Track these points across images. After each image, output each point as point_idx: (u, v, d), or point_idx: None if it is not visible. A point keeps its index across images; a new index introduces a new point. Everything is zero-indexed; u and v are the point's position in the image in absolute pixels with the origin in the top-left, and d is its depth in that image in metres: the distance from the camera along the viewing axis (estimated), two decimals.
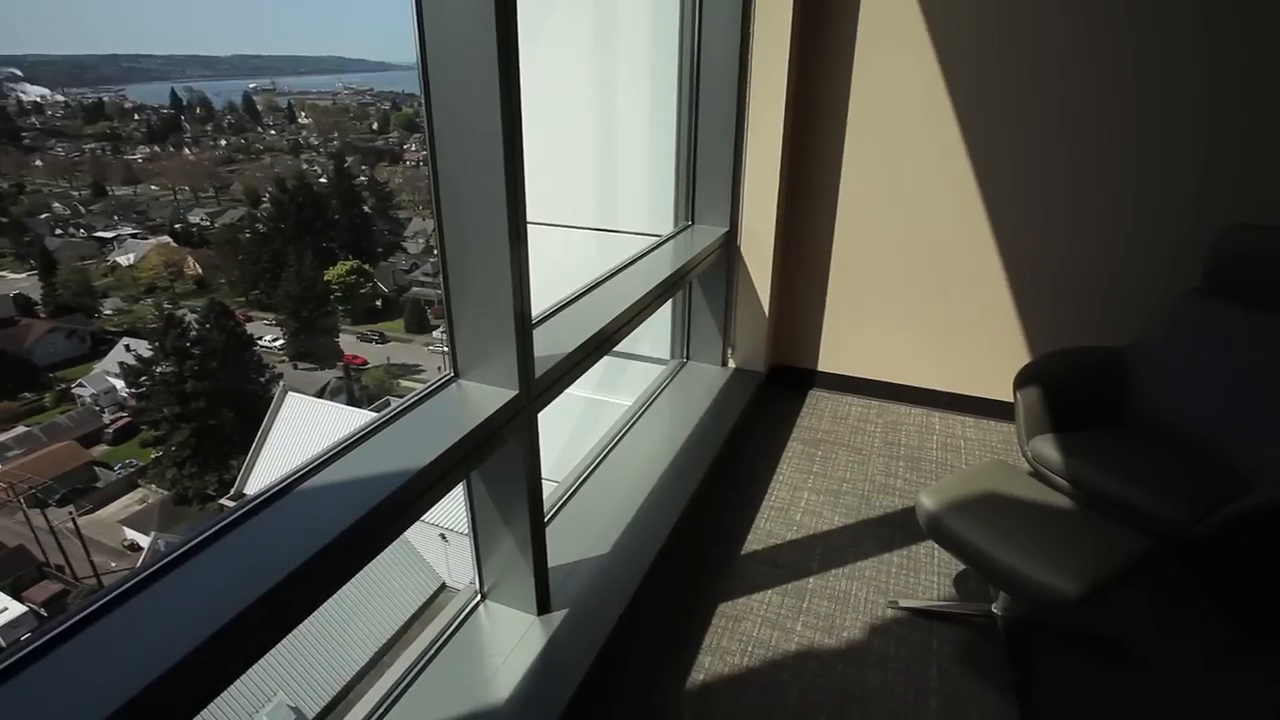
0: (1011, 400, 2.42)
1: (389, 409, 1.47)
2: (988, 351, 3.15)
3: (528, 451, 1.66)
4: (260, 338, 25.58)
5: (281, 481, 1.22)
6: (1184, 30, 2.53)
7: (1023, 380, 2.32)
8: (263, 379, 22.29)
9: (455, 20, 1.28)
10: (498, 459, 1.63)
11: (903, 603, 2.14)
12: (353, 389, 23.20)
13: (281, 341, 26.52)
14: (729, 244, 3.14)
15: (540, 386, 1.66)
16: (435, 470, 1.32)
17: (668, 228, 3.14)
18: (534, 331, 1.87)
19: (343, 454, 1.33)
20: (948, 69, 2.82)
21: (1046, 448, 2.22)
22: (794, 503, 2.61)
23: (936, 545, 2.08)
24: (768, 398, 3.34)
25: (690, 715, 1.80)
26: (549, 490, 2.35)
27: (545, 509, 2.22)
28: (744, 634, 2.04)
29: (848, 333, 3.34)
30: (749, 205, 3.07)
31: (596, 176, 3.50)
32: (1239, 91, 2.54)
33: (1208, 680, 1.94)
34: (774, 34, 2.78)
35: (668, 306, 3.32)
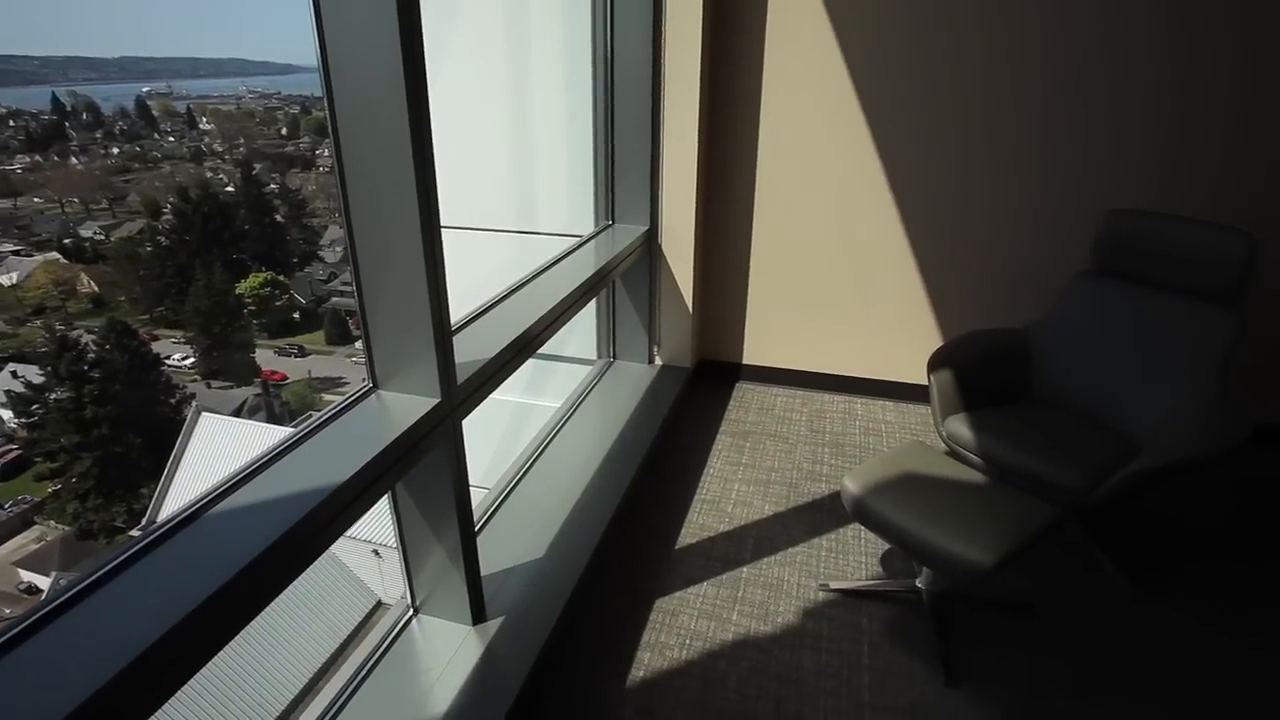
0: (927, 383, 2.53)
1: (304, 425, 1.42)
2: (904, 338, 3.28)
3: (453, 460, 1.63)
4: (168, 357, 24.17)
5: (190, 507, 1.16)
6: (1075, 27, 2.70)
7: (935, 364, 2.43)
8: (173, 400, 21.09)
9: (356, 21, 1.25)
10: (422, 469, 1.60)
11: (833, 585, 2.21)
12: (273, 405, 22.24)
13: (192, 360, 25.15)
14: (650, 242, 3.16)
15: (463, 393, 1.64)
16: (356, 485, 1.28)
17: (588, 228, 3.14)
18: (455, 338, 1.84)
19: (256, 474, 1.27)
20: (853, 66, 2.92)
21: (960, 427, 2.32)
22: (725, 495, 2.65)
23: (862, 527, 2.15)
24: (695, 393, 3.38)
25: (631, 712, 1.80)
26: (479, 498, 2.31)
27: (476, 517, 2.19)
28: (682, 627, 2.06)
29: (771, 325, 3.41)
30: (668, 203, 3.10)
31: (515, 179, 3.47)
32: (1119, 86, 2.73)
33: (1110, 633, 2.07)
34: (685, 31, 2.82)
35: (592, 307, 3.32)
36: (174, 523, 1.12)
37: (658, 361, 3.40)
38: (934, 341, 3.20)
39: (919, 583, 2.11)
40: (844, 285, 3.25)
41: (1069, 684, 1.91)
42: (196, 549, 1.09)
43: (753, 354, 3.49)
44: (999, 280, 3.09)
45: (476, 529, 2.16)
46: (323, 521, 1.21)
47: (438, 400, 1.52)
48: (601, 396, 3.13)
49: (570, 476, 2.51)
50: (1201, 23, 2.61)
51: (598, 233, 3.05)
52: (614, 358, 3.42)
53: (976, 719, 1.81)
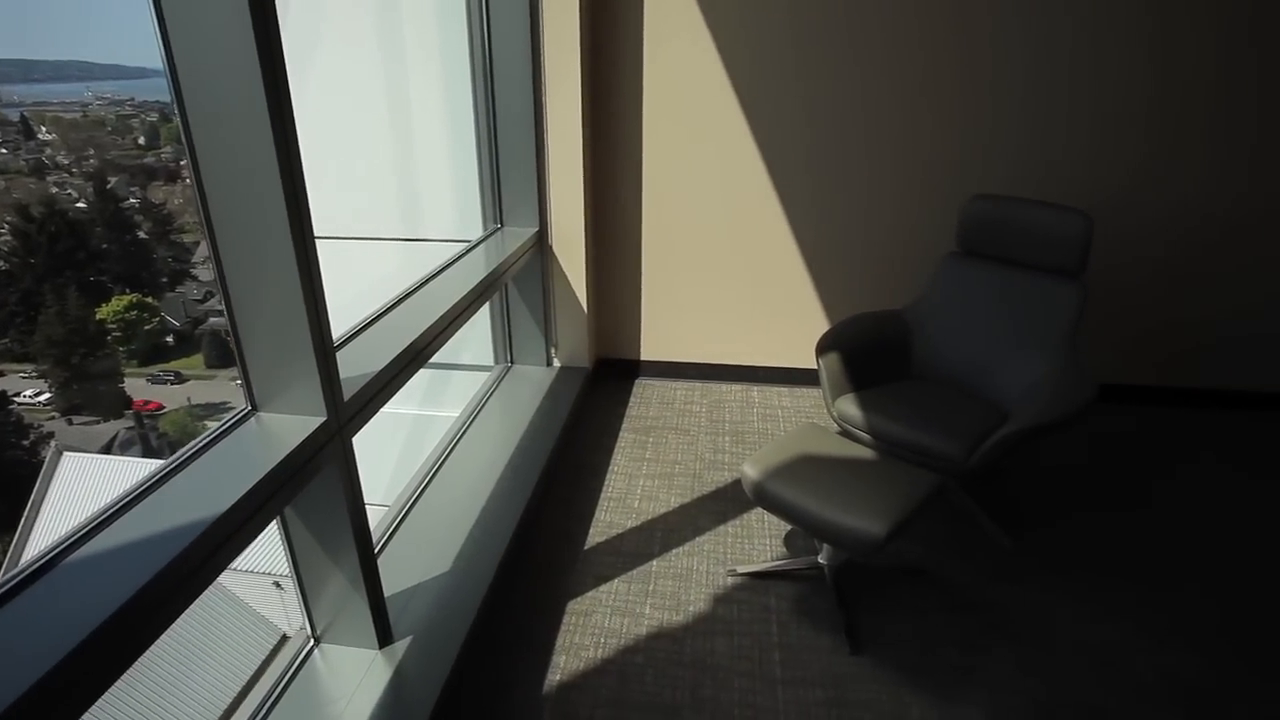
0: (816, 367, 2.63)
1: (175, 456, 1.32)
2: (794, 324, 3.41)
3: (346, 479, 1.56)
4: (17, 394, 21.90)
5: (42, 557, 1.06)
6: (939, 25, 2.88)
7: (822, 348, 2.54)
8: (26, 441, 19.14)
9: (202, 19, 1.17)
10: (312, 492, 1.52)
11: (740, 569, 2.27)
12: (148, 438, 20.56)
13: (48, 395, 22.89)
14: (541, 243, 3.14)
15: (351, 409, 1.57)
16: (236, 516, 1.21)
17: (477, 232, 3.08)
18: (340, 352, 1.77)
19: (121, 514, 1.18)
20: (729, 62, 3.00)
21: (849, 406, 2.44)
22: (631, 491, 2.67)
23: (764, 510, 2.22)
24: (596, 392, 3.39)
25: (550, 717, 1.79)
26: (378, 516, 2.23)
27: (376, 536, 2.12)
28: (595, 627, 2.06)
29: (666, 320, 3.47)
30: (556, 203, 3.09)
31: (398, 185, 3.36)
32: (983, 81, 2.94)
33: (994, 586, 2.24)
34: (564, 29, 2.81)
35: (486, 312, 3.26)
36: (21, 576, 1.02)
37: (556, 363, 3.38)
38: (822, 326, 3.34)
39: (820, 559, 2.20)
40: (734, 277, 3.35)
41: (960, 638, 2.05)
42: (51, 602, 0.99)
43: (650, 349, 3.53)
44: (879, 264, 3.27)
45: (377, 548, 2.09)
46: (199, 559, 1.13)
47: (324, 419, 1.46)
48: (501, 402, 3.08)
49: (473, 486, 2.47)
50: (1043, 24, 2.85)
51: (486, 236, 3.00)
52: (511, 362, 3.38)
53: (879, 680, 1.91)
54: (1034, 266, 2.54)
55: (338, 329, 1.84)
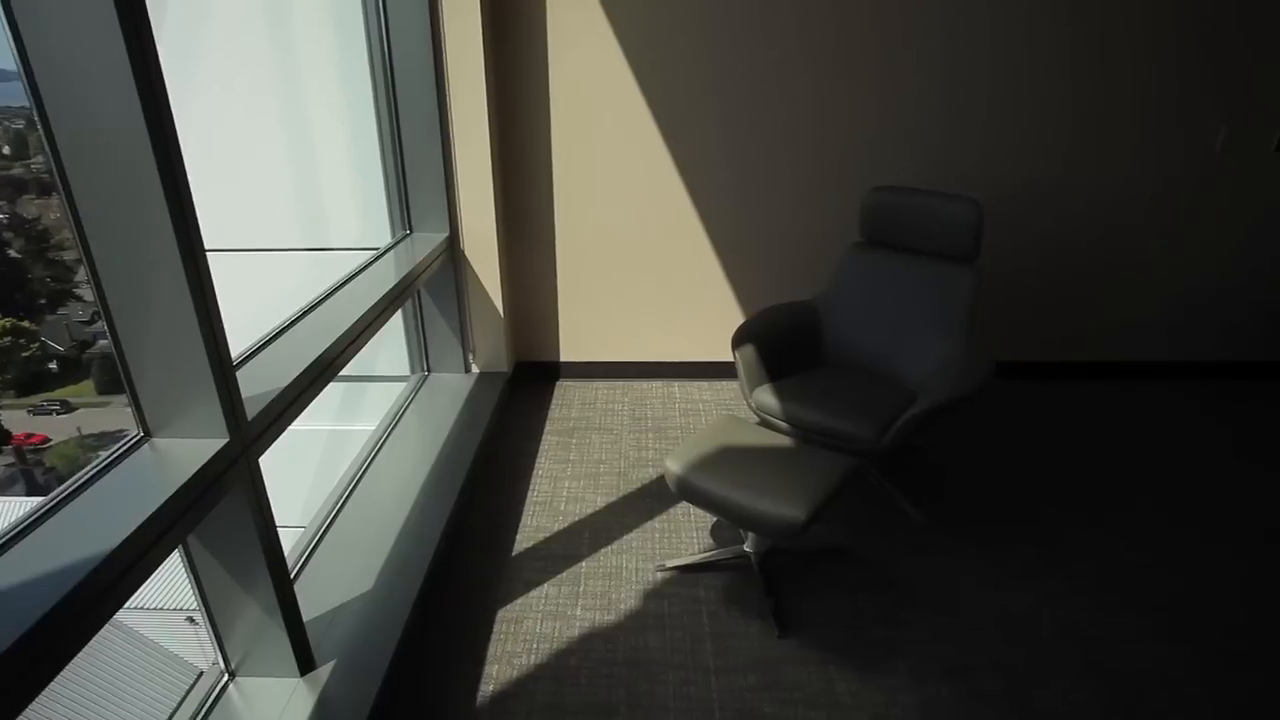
0: (733, 359, 2.69)
1: (55, 492, 1.22)
2: (712, 318, 3.46)
3: (254, 502, 1.49)
4: None
5: None
6: (844, 19, 2.98)
7: (738, 340, 2.59)
8: None
9: (61, 17, 1.09)
10: (217, 519, 1.44)
11: (669, 564, 2.30)
12: (33, 475, 19.00)
13: None
14: (452, 248, 3.08)
15: (256, 429, 1.50)
16: (129, 551, 1.13)
17: (385, 239, 2.99)
18: (242, 369, 1.70)
19: None
20: (634, 60, 3.02)
21: (766, 396, 2.50)
22: (556, 493, 2.66)
23: (689, 504, 2.25)
24: (516, 396, 3.36)
25: None
26: (295, 538, 2.15)
27: (293, 559, 2.04)
28: (527, 633, 2.04)
29: (585, 321, 3.46)
30: (467, 207, 3.03)
31: (298, 193, 3.22)
32: (887, 76, 3.06)
33: (909, 560, 2.34)
34: (465, 31, 2.76)
35: (399, 321, 3.18)
36: None
37: (474, 369, 3.33)
38: (739, 319, 3.42)
39: (746, 547, 2.25)
40: (650, 274, 3.38)
41: (881, 612, 2.13)
42: None
43: (570, 351, 3.52)
44: (793, 256, 3.36)
45: (294, 572, 2.00)
46: (88, 600, 1.05)
47: (226, 440, 1.38)
48: (419, 412, 3.01)
49: (394, 500, 2.40)
50: (945, 25, 2.99)
51: (395, 243, 2.92)
52: (428, 371, 3.30)
53: (808, 660, 1.96)
54: (932, 253, 2.67)
55: (239, 346, 1.76)
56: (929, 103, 3.13)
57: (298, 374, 1.70)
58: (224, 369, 1.36)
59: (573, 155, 3.16)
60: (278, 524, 1.61)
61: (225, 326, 1.38)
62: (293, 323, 2.04)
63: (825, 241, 3.30)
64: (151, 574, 1.20)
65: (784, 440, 2.21)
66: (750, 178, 3.23)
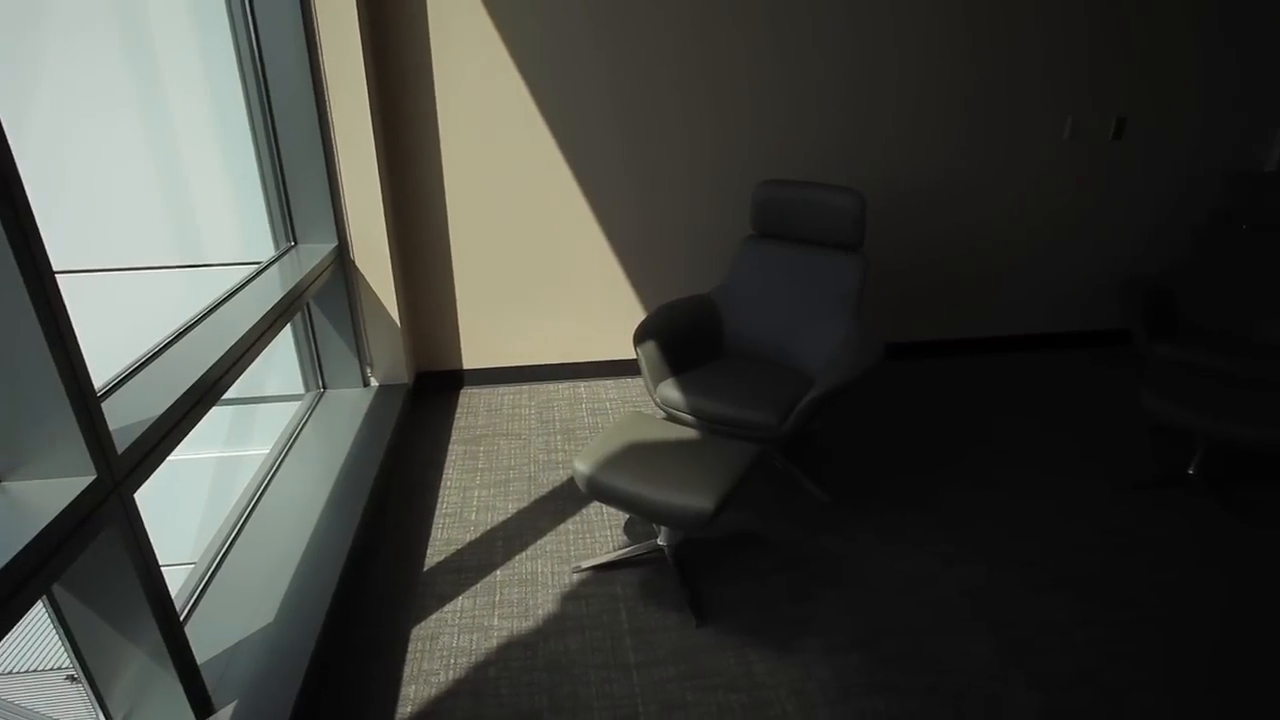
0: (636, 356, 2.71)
1: None
2: (613, 317, 3.48)
3: (131, 542, 1.39)
4: None
5: None
6: (734, 17, 3.04)
7: (639, 337, 2.61)
8: None
9: None
10: (87, 565, 1.33)
11: (584, 564, 2.29)
12: None
13: None
14: (341, 259, 2.96)
15: (128, 462, 1.40)
16: None
17: (267, 252, 2.84)
18: (109, 399, 1.58)
19: None
20: (521, 59, 2.99)
21: (670, 391, 2.53)
22: (466, 504, 2.60)
23: (600, 503, 2.26)
24: (420, 407, 3.27)
25: None
26: (183, 575, 2.01)
27: (182, 598, 1.91)
28: (443, 649, 1.99)
29: (485, 326, 3.40)
30: (355, 216, 2.92)
31: (170, 208, 3.01)
32: (774, 75, 3.15)
33: (816, 539, 2.43)
34: (341, 31, 2.65)
35: (289, 338, 3.03)
36: None
37: (374, 383, 3.21)
38: (641, 316, 3.45)
39: (659, 540, 2.27)
40: (549, 276, 3.36)
41: (792, 592, 2.21)
42: None
43: (472, 358, 3.45)
44: (690, 250, 3.42)
45: (184, 612, 1.88)
46: None
47: (93, 478, 1.28)
48: (317, 431, 2.87)
49: (293, 525, 2.28)
50: (810, 39, 3.11)
51: (279, 256, 2.78)
52: (324, 387, 3.16)
53: (725, 646, 2.01)
54: (821, 243, 2.78)
55: (105, 374, 1.64)
56: (815, 101, 3.26)
57: (174, 400, 1.59)
58: (85, 400, 1.26)
59: (464, 158, 3.10)
60: (163, 562, 1.51)
61: (87, 354, 1.28)
62: (167, 346, 1.91)
63: (722, 235, 3.38)
64: (5, 634, 1.10)
65: (689, 433, 2.25)
66: (645, 175, 3.26)
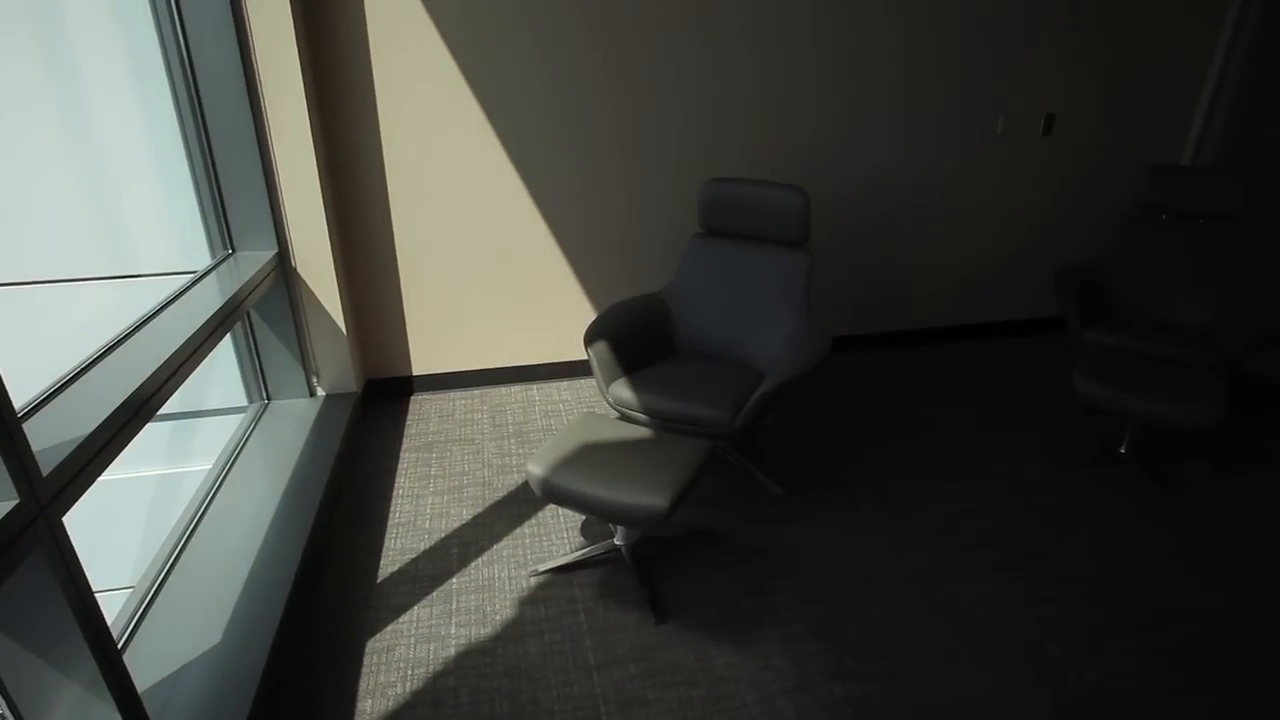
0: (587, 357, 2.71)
1: None
2: (564, 318, 3.47)
3: (60, 569, 1.33)
4: None
5: None
6: (675, 17, 3.05)
7: (590, 337, 2.61)
8: None
9: None
10: (11, 594, 1.27)
11: (541, 568, 2.28)
12: None
13: None
14: (283, 266, 2.88)
15: (55, 485, 1.33)
16: None
17: (203, 262, 2.75)
18: (32, 419, 1.51)
19: None
20: (462, 60, 2.96)
21: (622, 390, 2.54)
22: (420, 512, 2.56)
23: (556, 505, 2.25)
24: (369, 416, 3.21)
25: None
26: (121, 600, 1.94)
27: (120, 625, 1.84)
28: (400, 660, 1.96)
29: (435, 331, 3.35)
30: (295, 222, 2.85)
31: (97, 217, 2.89)
32: (718, 73, 3.17)
33: (771, 530, 2.47)
34: (275, 33, 2.58)
35: (229, 349, 2.94)
36: None
37: (320, 392, 3.14)
38: (592, 317, 3.45)
39: (616, 540, 2.28)
40: (498, 278, 3.32)
41: (749, 585, 2.23)
42: None
43: (422, 363, 3.40)
44: (640, 249, 3.43)
45: (123, 638, 1.81)
46: None
47: (15, 502, 1.22)
48: (262, 444, 2.79)
49: (239, 541, 2.22)
50: (765, 32, 3.15)
51: (216, 265, 2.69)
52: (268, 399, 3.07)
53: (685, 641, 2.02)
54: (767, 239, 2.82)
55: (26, 393, 1.56)
56: (757, 100, 3.30)
57: (104, 418, 1.53)
58: (4, 421, 1.20)
59: (407, 162, 3.05)
60: (99, 587, 1.45)
61: (5, 373, 1.22)
62: (95, 361, 1.83)
63: (671, 234, 3.40)
64: None
65: (643, 431, 2.26)
66: (590, 175, 3.26)
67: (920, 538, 2.46)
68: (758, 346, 2.77)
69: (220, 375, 3.04)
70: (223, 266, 2.69)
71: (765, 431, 3.09)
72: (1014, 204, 3.91)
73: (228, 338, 2.94)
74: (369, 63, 2.88)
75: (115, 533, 2.98)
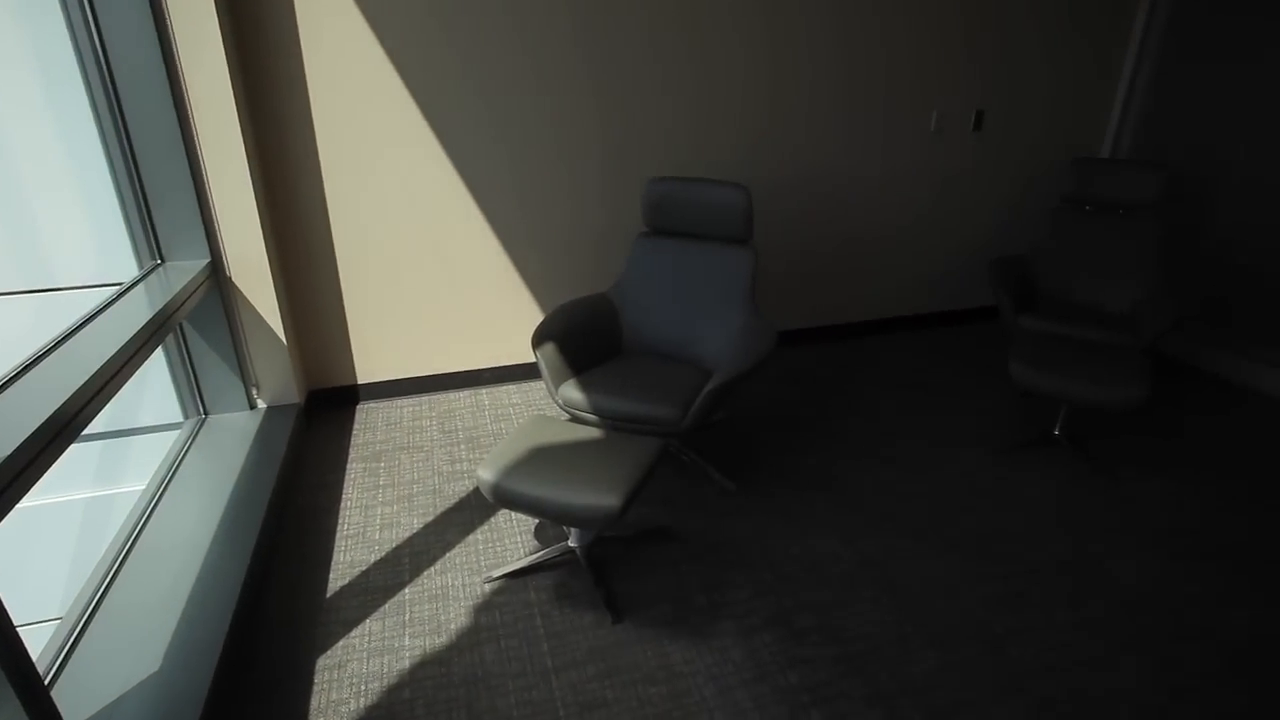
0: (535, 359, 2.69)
1: None
2: (512, 320, 3.43)
3: None
4: None
5: None
6: (615, 17, 3.04)
7: (538, 339, 2.59)
8: None
9: None
10: None
11: (496, 573, 2.26)
12: None
13: None
14: (217, 276, 2.78)
15: None
16: None
17: (130, 273, 2.64)
18: None
19: None
20: (400, 63, 2.90)
21: (572, 391, 2.53)
22: (369, 522, 2.51)
23: (508, 509, 2.23)
24: (313, 427, 3.12)
25: None
26: (47, 633, 1.85)
27: (47, 659, 1.75)
28: (353, 676, 1.92)
29: (379, 338, 3.29)
30: (228, 230, 2.75)
31: (6, 228, 2.74)
32: (660, 72, 3.18)
33: (726, 525, 2.49)
34: (200, 35, 2.49)
35: (161, 363, 2.82)
36: None
37: (261, 404, 3.04)
38: (538, 319, 3.43)
39: (571, 542, 2.27)
40: (443, 283, 3.27)
41: (705, 580, 2.25)
42: None
43: (367, 371, 3.33)
44: (586, 250, 3.42)
45: (50, 673, 1.72)
46: None
47: None
48: (200, 460, 2.69)
49: (178, 563, 2.13)
50: (703, 33, 3.17)
51: (144, 276, 2.58)
52: (205, 413, 2.96)
53: (642, 640, 2.03)
54: (711, 237, 2.84)
55: None
56: (698, 100, 3.32)
57: (20, 442, 1.45)
58: None
59: (344, 165, 2.98)
60: (22, 621, 1.38)
61: None
62: (12, 380, 1.74)
63: (616, 233, 3.40)
64: None
65: (594, 432, 2.25)
66: (534, 176, 3.24)
67: (869, 525, 2.51)
68: (705, 344, 2.79)
69: (153, 391, 2.92)
70: (151, 277, 2.59)
71: (716, 428, 3.12)
72: (950, 198, 4.03)
73: (160, 352, 2.83)
74: (301, 62, 2.80)
75: (40, 561, 2.84)
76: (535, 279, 3.40)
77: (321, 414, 3.23)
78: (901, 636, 2.05)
